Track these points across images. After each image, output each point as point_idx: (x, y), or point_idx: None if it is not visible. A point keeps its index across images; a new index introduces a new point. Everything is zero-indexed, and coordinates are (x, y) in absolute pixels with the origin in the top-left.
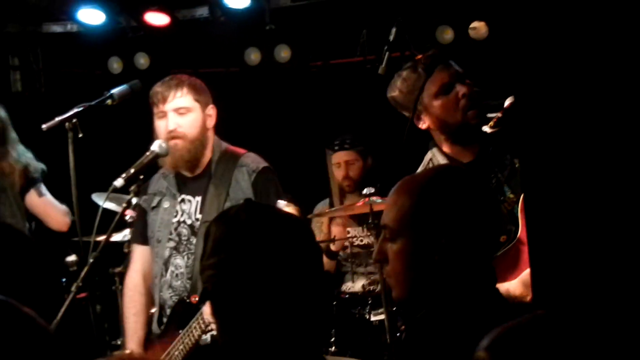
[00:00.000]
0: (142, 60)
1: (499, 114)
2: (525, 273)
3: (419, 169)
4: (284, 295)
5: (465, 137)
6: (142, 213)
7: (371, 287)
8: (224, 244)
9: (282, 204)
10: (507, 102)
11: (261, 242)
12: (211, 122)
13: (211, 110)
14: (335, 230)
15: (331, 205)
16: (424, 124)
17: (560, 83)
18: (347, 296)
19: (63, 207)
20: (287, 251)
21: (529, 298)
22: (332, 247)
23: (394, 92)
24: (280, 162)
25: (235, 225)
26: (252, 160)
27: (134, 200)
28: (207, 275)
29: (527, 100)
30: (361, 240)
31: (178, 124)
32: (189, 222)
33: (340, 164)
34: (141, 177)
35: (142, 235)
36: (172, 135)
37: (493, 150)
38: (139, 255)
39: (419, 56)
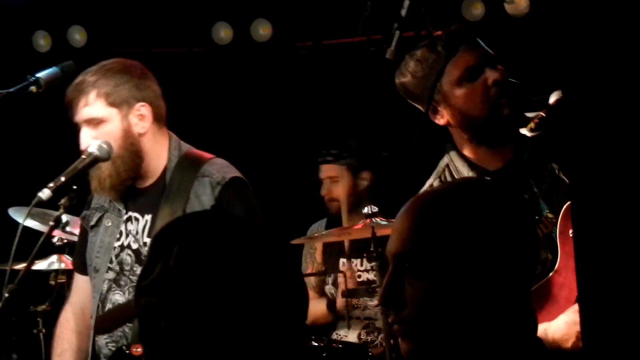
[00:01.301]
0: (77, 36)
1: (542, 113)
2: (570, 312)
3: (431, 179)
4: (245, 341)
5: (494, 135)
6: (82, 234)
7: (371, 337)
8: (176, 267)
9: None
10: (552, 98)
11: (227, 270)
12: (143, 125)
13: (142, 109)
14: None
15: (328, 224)
16: (441, 119)
17: (623, 74)
18: (339, 346)
19: None
20: (260, 288)
21: (570, 343)
22: (338, 298)
23: (405, 77)
24: (259, 170)
25: (194, 243)
26: (218, 169)
27: (64, 218)
28: (145, 301)
29: (578, 96)
30: (359, 277)
31: (92, 139)
32: (134, 246)
33: (323, 179)
34: (74, 187)
35: (81, 262)
36: None
37: (529, 156)
38: (78, 286)
39: (438, 32)
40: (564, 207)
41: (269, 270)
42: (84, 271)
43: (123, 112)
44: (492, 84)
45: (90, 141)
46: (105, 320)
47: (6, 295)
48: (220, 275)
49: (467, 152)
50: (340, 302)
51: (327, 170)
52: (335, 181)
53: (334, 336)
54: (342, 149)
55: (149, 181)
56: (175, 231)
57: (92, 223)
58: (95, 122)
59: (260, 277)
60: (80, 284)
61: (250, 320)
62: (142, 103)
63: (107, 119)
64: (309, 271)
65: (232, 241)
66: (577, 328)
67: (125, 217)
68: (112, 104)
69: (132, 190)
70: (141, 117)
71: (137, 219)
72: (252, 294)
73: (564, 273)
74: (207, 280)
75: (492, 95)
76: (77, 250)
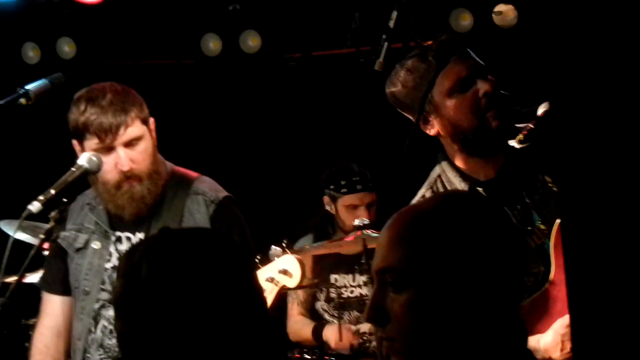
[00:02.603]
0: (66, 48)
1: (531, 125)
2: (559, 323)
3: (423, 189)
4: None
5: (485, 146)
6: (58, 252)
7: (362, 347)
8: (123, 306)
9: (277, 252)
10: (540, 110)
11: (183, 291)
12: (155, 139)
13: (153, 124)
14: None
15: (315, 240)
16: (432, 129)
17: (611, 85)
18: (332, 359)
19: None
20: (219, 304)
21: (557, 355)
22: (329, 337)
23: (395, 86)
24: (247, 185)
25: (135, 280)
26: (210, 188)
27: (56, 231)
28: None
29: (567, 108)
30: (351, 292)
31: (132, 160)
32: None
33: (359, 207)
34: (64, 200)
35: (59, 282)
36: (127, 176)
37: (520, 167)
38: (52, 307)
39: (429, 42)
40: (558, 220)
41: (231, 286)
42: (63, 291)
43: (149, 128)
44: (482, 96)
45: (130, 163)
46: None
47: None
48: (176, 296)
49: (458, 162)
50: (334, 338)
51: (366, 198)
52: (372, 206)
53: (326, 346)
54: (370, 175)
55: None
56: (130, 256)
57: (79, 245)
58: (134, 142)
59: (221, 293)
60: (55, 304)
61: (214, 337)
62: (152, 118)
63: (143, 137)
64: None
65: (188, 261)
66: (565, 338)
67: (113, 238)
68: (144, 121)
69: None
70: (154, 131)
71: (128, 238)
72: (214, 311)
73: (558, 286)
74: (159, 303)
75: (482, 106)
76: (48, 270)
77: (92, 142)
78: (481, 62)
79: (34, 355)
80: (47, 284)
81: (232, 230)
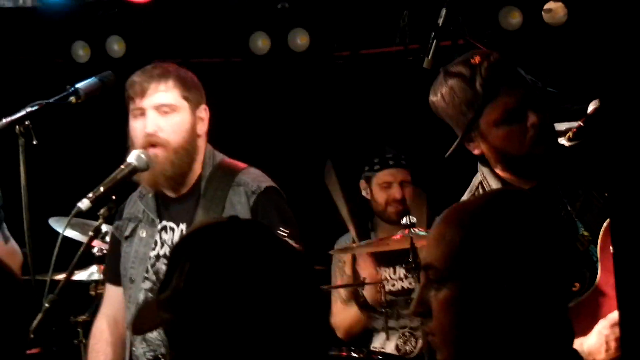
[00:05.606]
0: (115, 46)
1: (580, 122)
2: (602, 324)
3: (465, 196)
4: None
5: (527, 169)
6: (114, 244)
7: (408, 347)
8: (188, 285)
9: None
10: (590, 107)
11: (240, 285)
12: (203, 127)
13: (203, 112)
14: (365, 273)
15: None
16: (476, 149)
17: None
18: (379, 357)
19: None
20: (277, 301)
21: (602, 356)
22: (367, 295)
23: (436, 96)
24: (293, 180)
25: (206, 259)
26: (253, 179)
27: (104, 228)
28: (163, 316)
29: (616, 105)
30: (393, 285)
31: (159, 126)
32: None
33: (392, 183)
34: (113, 197)
35: (114, 273)
36: (151, 141)
37: (561, 173)
38: (110, 297)
39: (477, 58)
40: (605, 223)
41: (286, 284)
42: (116, 282)
43: (192, 108)
44: (530, 127)
45: (155, 127)
46: (138, 320)
47: (46, 305)
48: (233, 290)
49: (501, 173)
50: (369, 295)
51: (399, 174)
52: (406, 186)
53: (373, 346)
54: (399, 154)
55: (184, 190)
56: (188, 245)
57: (127, 234)
58: (166, 109)
59: (276, 290)
60: (113, 294)
61: (268, 332)
62: (205, 106)
63: (180, 109)
64: (338, 284)
65: (246, 255)
66: (609, 338)
67: (159, 226)
68: (186, 97)
69: (166, 200)
70: (202, 120)
71: (172, 229)
72: (268, 307)
73: (604, 289)
74: (219, 297)
75: (529, 137)
76: (108, 260)
77: (130, 106)
78: (532, 80)
79: (90, 342)
80: (107, 275)
81: (272, 221)
